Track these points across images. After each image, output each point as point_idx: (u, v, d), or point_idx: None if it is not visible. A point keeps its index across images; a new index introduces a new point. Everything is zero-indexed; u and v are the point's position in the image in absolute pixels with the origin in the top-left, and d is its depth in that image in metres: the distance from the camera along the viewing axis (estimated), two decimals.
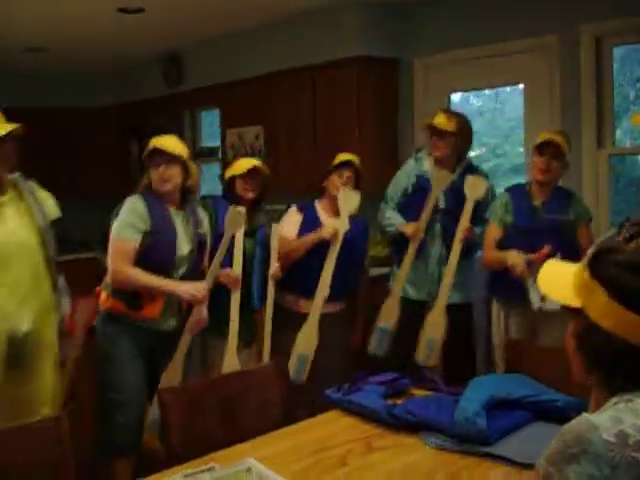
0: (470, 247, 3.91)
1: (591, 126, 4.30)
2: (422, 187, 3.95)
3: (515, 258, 3.41)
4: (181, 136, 7.00)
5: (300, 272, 3.75)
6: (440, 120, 3.92)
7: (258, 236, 3.71)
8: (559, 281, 1.46)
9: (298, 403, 3.29)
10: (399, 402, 2.40)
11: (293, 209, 3.93)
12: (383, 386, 2.57)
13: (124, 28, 5.90)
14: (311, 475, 2.01)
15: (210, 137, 7.12)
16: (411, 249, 3.83)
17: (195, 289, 3.19)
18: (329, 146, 4.86)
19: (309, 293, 3.70)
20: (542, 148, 3.55)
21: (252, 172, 3.65)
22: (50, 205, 3.04)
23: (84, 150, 7.50)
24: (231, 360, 3.41)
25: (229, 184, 3.72)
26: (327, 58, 5.33)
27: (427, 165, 4.03)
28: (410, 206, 3.94)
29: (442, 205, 3.93)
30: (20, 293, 2.79)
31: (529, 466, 1.96)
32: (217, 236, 3.48)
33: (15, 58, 6.82)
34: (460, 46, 4.92)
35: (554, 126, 4.35)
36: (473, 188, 3.78)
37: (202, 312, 3.27)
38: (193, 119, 7.17)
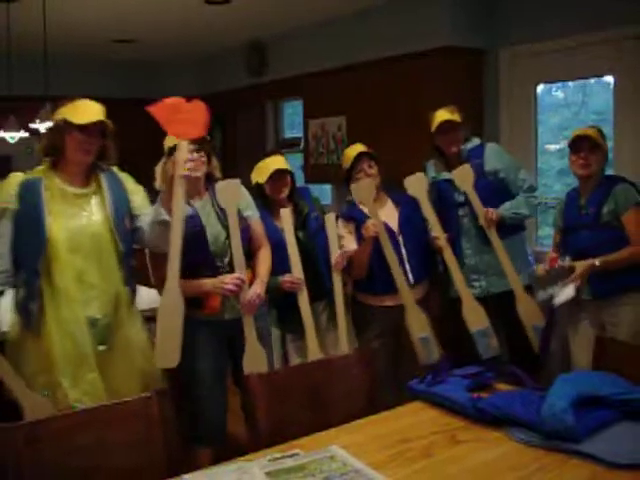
0: (513, 227, 3.86)
1: None
2: (439, 192, 3.93)
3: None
4: (264, 126, 7.16)
5: (374, 273, 3.72)
6: (446, 115, 3.89)
7: (311, 227, 3.70)
8: None
9: (384, 391, 3.28)
10: (484, 396, 2.38)
11: (341, 222, 3.82)
12: (467, 379, 2.56)
13: (209, 19, 6.01)
14: (395, 464, 2.01)
15: (292, 128, 7.17)
16: (449, 259, 3.71)
17: (227, 282, 3.10)
18: (412, 137, 4.83)
19: (391, 289, 3.65)
20: (577, 144, 3.53)
21: (274, 175, 3.61)
22: (138, 196, 3.11)
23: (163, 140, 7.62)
24: (314, 353, 3.42)
25: (258, 189, 3.68)
26: (411, 49, 5.31)
27: (437, 170, 4.00)
28: (439, 215, 3.82)
29: (461, 199, 3.88)
30: (89, 282, 2.86)
31: (617, 465, 1.93)
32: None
33: (102, 49, 7.00)
34: (546, 38, 4.83)
35: None
36: (463, 179, 3.74)
37: (248, 294, 3.15)
38: (276, 110, 7.23)
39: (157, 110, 2.88)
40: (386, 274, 3.63)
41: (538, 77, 5.11)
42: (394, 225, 3.76)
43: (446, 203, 3.91)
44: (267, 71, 6.98)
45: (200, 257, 3.17)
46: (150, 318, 3.23)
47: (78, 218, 2.89)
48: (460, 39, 5.15)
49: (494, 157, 3.93)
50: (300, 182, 6.49)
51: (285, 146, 6.94)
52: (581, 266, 3.40)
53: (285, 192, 3.67)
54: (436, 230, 3.71)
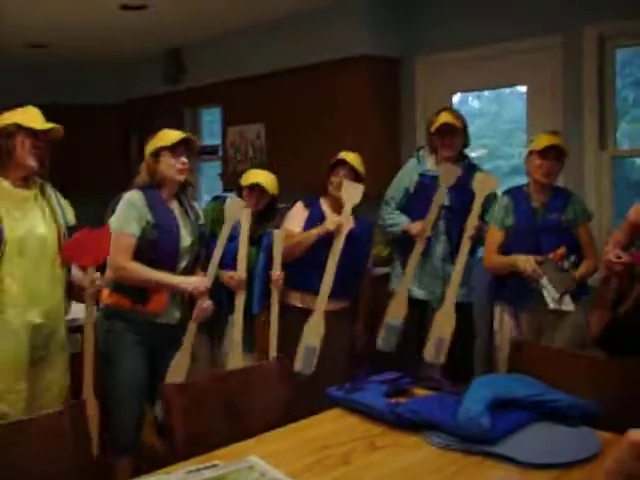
0: (474, 245, 3.90)
1: (593, 128, 4.31)
2: (425, 186, 3.95)
3: (524, 261, 3.43)
4: None
5: (304, 269, 3.75)
6: (449, 118, 3.91)
7: (264, 243, 3.70)
8: None
9: (302, 400, 3.28)
10: (402, 401, 2.39)
11: (299, 204, 3.94)
12: (385, 385, 2.56)
13: (126, 25, 5.91)
14: (313, 473, 1.99)
15: (211, 135, 7.12)
16: (418, 248, 3.80)
17: (198, 281, 3.22)
18: (331, 145, 4.85)
19: (314, 289, 3.69)
20: (546, 152, 3.57)
21: (255, 187, 3.67)
22: (69, 212, 3.10)
23: (84, 147, 7.47)
24: (236, 360, 3.41)
25: (240, 190, 3.75)
26: (329, 57, 5.33)
27: (430, 164, 4.02)
28: (413, 206, 3.94)
29: (446, 202, 3.91)
30: (33, 286, 2.82)
31: (532, 465, 1.97)
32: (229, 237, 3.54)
33: (16, 54, 6.82)
34: (462, 46, 4.92)
35: (556, 127, 4.36)
36: (483, 184, 3.74)
37: (206, 302, 3.28)
38: (194, 117, 7.17)
39: (66, 251, 2.94)
40: (314, 276, 3.67)
41: (454, 86, 5.21)
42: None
43: (428, 201, 3.87)
44: (185, 78, 6.91)
45: (168, 252, 3.20)
46: (73, 329, 3.22)
47: (25, 221, 2.85)
48: (376, 48, 5.20)
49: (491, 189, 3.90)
50: (218, 190, 6.46)
51: (203, 153, 6.87)
52: (574, 273, 3.44)
53: (253, 208, 3.65)
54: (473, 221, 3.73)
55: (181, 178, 3.24)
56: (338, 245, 3.66)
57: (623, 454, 1.20)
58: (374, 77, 5.25)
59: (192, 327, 3.30)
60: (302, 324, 3.70)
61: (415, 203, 3.93)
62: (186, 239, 3.27)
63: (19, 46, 6.56)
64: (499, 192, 3.90)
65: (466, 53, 4.93)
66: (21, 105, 2.94)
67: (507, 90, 5.37)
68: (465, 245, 3.72)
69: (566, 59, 4.44)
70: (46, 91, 7.24)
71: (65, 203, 3.09)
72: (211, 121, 7.17)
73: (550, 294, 3.40)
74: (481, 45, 4.82)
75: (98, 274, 2.96)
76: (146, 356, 3.24)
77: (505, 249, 3.65)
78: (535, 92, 4.70)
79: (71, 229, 3.01)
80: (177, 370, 3.23)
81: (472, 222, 3.72)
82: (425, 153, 4.07)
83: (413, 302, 3.91)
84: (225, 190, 6.24)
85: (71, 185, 6.54)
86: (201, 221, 3.40)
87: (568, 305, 3.43)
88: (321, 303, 3.68)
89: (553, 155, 3.57)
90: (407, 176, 4.04)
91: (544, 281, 3.40)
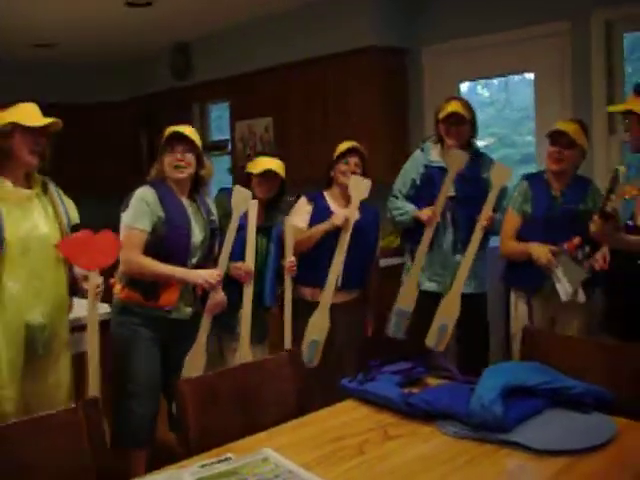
0: (487, 237, 3.88)
1: (602, 113, 4.28)
2: (431, 177, 3.92)
3: (539, 250, 3.42)
4: None
5: (313, 263, 3.74)
6: (457, 107, 3.86)
7: (274, 233, 3.70)
8: None
9: (315, 392, 3.29)
10: (415, 391, 2.39)
11: (303, 200, 3.93)
12: (398, 375, 2.57)
13: (132, 22, 5.92)
14: (328, 464, 2.00)
15: (219, 130, 7.13)
16: (427, 235, 3.78)
17: (209, 275, 3.22)
18: (340, 137, 4.84)
19: (323, 283, 3.69)
20: (554, 138, 3.54)
21: (267, 174, 3.64)
22: (72, 210, 3.07)
23: (94, 145, 7.51)
24: (245, 355, 3.41)
25: (247, 179, 3.71)
26: (336, 49, 5.33)
27: (435, 155, 3.99)
28: (420, 197, 3.91)
29: (453, 193, 3.89)
30: (36, 286, 2.80)
31: (546, 452, 1.97)
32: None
33: (23, 54, 6.83)
34: (469, 34, 4.90)
35: (565, 113, 4.35)
36: (499, 176, 3.70)
37: (219, 295, 3.30)
38: (202, 112, 7.17)
39: (65, 246, 2.86)
40: (323, 269, 3.67)
41: (461, 75, 5.19)
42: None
43: (434, 191, 3.85)
44: (193, 73, 6.91)
45: (179, 246, 3.21)
46: (76, 327, 3.17)
47: (27, 220, 2.82)
48: (383, 39, 5.19)
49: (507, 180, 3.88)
50: (228, 184, 6.45)
51: (212, 148, 6.88)
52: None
53: (264, 196, 3.65)
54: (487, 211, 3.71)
55: (177, 174, 3.24)
56: (345, 241, 3.67)
57: None
58: (382, 68, 5.23)
59: (206, 321, 3.31)
60: (308, 316, 3.71)
61: (422, 194, 3.91)
62: (197, 235, 3.28)
63: (25, 46, 6.58)
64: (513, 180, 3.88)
65: (473, 41, 4.91)
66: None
67: (516, 78, 5.35)
68: (477, 235, 3.69)
69: (574, 45, 4.41)
70: (54, 90, 7.26)
71: (68, 201, 3.06)
72: (219, 116, 7.18)
73: (563, 286, 3.38)
74: (488, 33, 4.79)
75: (101, 279, 2.92)
76: (160, 351, 3.25)
77: (521, 235, 3.62)
78: (543, 79, 4.68)
79: (75, 228, 3.00)
80: (193, 365, 3.24)
81: (486, 212, 3.69)
82: (430, 144, 4.05)
83: (425, 295, 3.89)
84: (234, 184, 6.24)
85: (82, 183, 6.65)
86: (213, 217, 3.40)
87: (580, 296, 3.41)
88: (327, 297, 3.68)
89: (561, 141, 3.52)
90: (413, 168, 4.02)
91: (558, 272, 3.38)
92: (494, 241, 3.94)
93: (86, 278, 2.87)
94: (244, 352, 3.41)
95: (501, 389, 2.17)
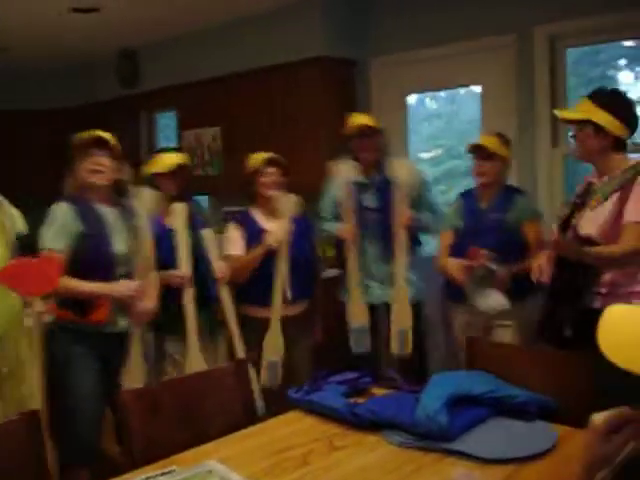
0: (417, 242, 3.94)
1: (546, 126, 4.36)
2: (350, 194, 3.96)
3: (453, 267, 3.56)
4: (137, 138, 7.01)
5: (255, 283, 3.72)
6: (365, 120, 3.94)
7: (195, 225, 3.65)
8: (627, 342, 1.16)
9: (265, 404, 3.30)
10: (360, 401, 2.40)
11: (232, 226, 3.85)
12: (344, 385, 2.57)
13: (79, 28, 5.83)
14: (273, 475, 1.99)
15: (167, 139, 7.07)
16: (351, 250, 3.83)
17: (127, 288, 3.11)
18: (286, 147, 4.84)
19: (268, 301, 3.70)
20: (473, 152, 3.66)
21: (176, 170, 3.59)
22: (19, 221, 3.04)
23: (36, 154, 7.37)
24: (194, 357, 3.38)
25: (151, 180, 3.63)
26: (285, 59, 5.32)
27: (351, 171, 4.02)
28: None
29: (373, 204, 3.94)
30: None
31: (490, 461, 1.99)
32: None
33: None
34: (417, 47, 4.95)
35: (510, 126, 4.42)
36: (400, 171, 3.83)
37: (142, 304, 3.18)
38: (149, 121, 7.10)
39: (2, 275, 2.79)
40: (267, 288, 3.64)
41: (409, 87, 5.23)
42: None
43: (356, 207, 3.91)
44: (140, 81, 6.84)
45: (101, 259, 3.11)
46: None
47: None
48: (331, 49, 5.21)
49: (410, 173, 3.97)
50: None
51: None
52: (506, 272, 3.46)
53: (178, 189, 3.62)
54: (345, 226, 3.80)
55: (94, 180, 3.13)
56: (282, 259, 3.68)
57: (589, 438, 1.25)
58: (329, 79, 5.25)
59: (136, 332, 3.22)
60: (261, 331, 3.72)
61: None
62: (120, 244, 3.17)
63: None
64: (457, 190, 3.95)
65: (421, 54, 4.96)
66: None
67: (462, 91, 5.43)
68: (400, 235, 3.77)
69: (519, 59, 4.49)
70: (2, 97, 7.13)
71: (15, 212, 3.02)
72: (167, 125, 7.12)
73: (477, 298, 3.47)
74: (435, 46, 4.85)
75: (43, 307, 2.87)
76: (99, 365, 3.18)
77: (455, 250, 3.69)
78: (489, 92, 4.75)
79: (21, 238, 2.94)
80: (132, 377, 3.17)
81: (399, 211, 3.77)
82: (348, 161, 4.07)
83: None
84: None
85: (24, 193, 6.50)
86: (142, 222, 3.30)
87: (499, 303, 3.46)
88: (276, 317, 3.70)
89: (483, 155, 3.62)
90: (333, 187, 4.03)
91: (471, 286, 3.48)
92: (425, 251, 4.02)
93: (29, 304, 2.82)
94: (194, 358, 3.38)
95: (446, 398, 2.19)
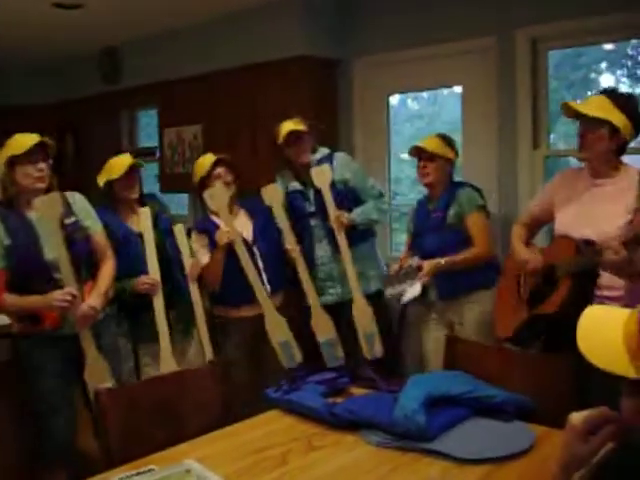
0: (364, 233, 3.99)
1: (527, 127, 4.37)
2: (295, 202, 3.99)
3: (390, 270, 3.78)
4: (119, 135, 6.98)
5: (231, 285, 3.69)
6: (291, 126, 3.93)
7: (161, 225, 3.63)
8: (605, 343, 1.17)
9: (240, 403, 3.28)
10: (339, 401, 2.40)
11: (194, 235, 3.78)
12: (322, 385, 2.57)
13: (60, 24, 5.79)
14: (251, 475, 1.99)
15: (148, 137, 7.04)
16: (299, 264, 3.80)
17: (62, 296, 2.99)
18: (268, 146, 4.83)
19: (247, 299, 3.67)
20: (416, 154, 3.77)
21: (131, 171, 3.54)
22: None
23: None
24: (167, 361, 3.37)
25: (106, 188, 3.57)
26: (266, 58, 5.31)
27: (291, 179, 4.05)
28: (293, 224, 3.90)
29: (311, 209, 3.97)
30: None
31: (467, 461, 1.99)
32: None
33: None
34: (399, 47, 4.95)
35: (491, 127, 4.43)
36: (320, 176, 3.85)
37: (80, 309, 3.07)
38: (131, 118, 7.07)
39: None
40: (240, 284, 3.62)
41: (390, 87, 5.23)
42: (248, 235, 3.77)
43: (298, 213, 3.97)
44: (121, 78, 6.80)
45: (34, 268, 3.05)
46: None
47: None
48: (314, 49, 5.20)
49: (343, 166, 4.02)
50: (156, 191, 6.37)
51: (140, 155, 6.77)
52: (428, 265, 3.56)
53: (137, 191, 3.59)
54: (289, 241, 3.76)
55: (42, 186, 3.05)
56: (242, 253, 3.63)
57: (567, 438, 1.25)
58: (311, 78, 5.24)
59: (84, 334, 3.14)
60: (243, 331, 3.71)
61: (292, 221, 3.91)
62: (51, 250, 3.07)
63: None
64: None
65: (403, 54, 4.96)
66: None
67: (445, 92, 5.43)
68: (339, 236, 3.80)
69: (500, 61, 4.50)
70: None
71: None
72: (148, 123, 7.09)
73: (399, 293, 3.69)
74: (418, 46, 4.85)
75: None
76: (65, 366, 3.16)
77: (413, 251, 3.82)
78: (470, 93, 4.76)
79: None
80: (93, 376, 3.13)
81: (331, 213, 3.81)
82: (285, 172, 4.09)
83: (327, 309, 3.89)
84: (162, 191, 6.18)
85: None
86: (72, 219, 3.16)
87: (409, 293, 3.62)
88: (266, 301, 3.67)
89: (425, 157, 3.72)
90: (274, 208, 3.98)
91: (397, 288, 3.72)
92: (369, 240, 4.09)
93: None
94: (166, 362, 3.37)
95: (424, 398, 2.20)
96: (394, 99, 5.39)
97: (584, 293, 2.71)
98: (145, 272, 3.44)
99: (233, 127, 5.58)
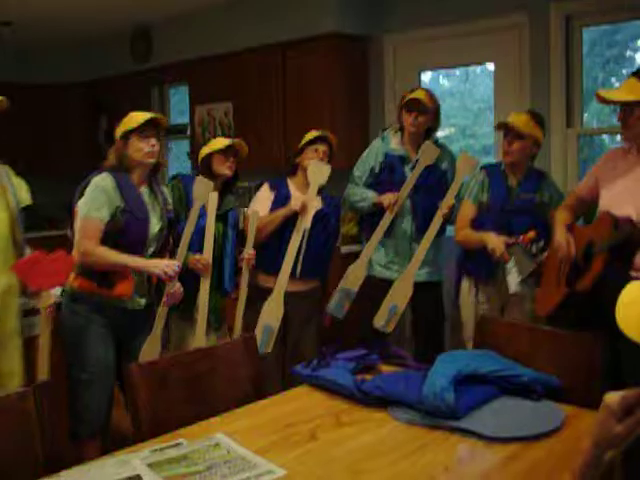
0: (444, 225, 3.90)
1: (560, 106, 4.32)
2: (390, 165, 3.93)
3: (495, 242, 3.41)
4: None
5: (273, 251, 3.72)
6: (421, 95, 3.86)
7: (230, 219, 3.66)
8: None
9: (270, 379, 3.30)
10: (368, 377, 2.40)
11: (265, 187, 3.87)
12: (352, 362, 2.57)
13: (92, 3, 5.80)
14: (280, 449, 2.00)
15: (178, 114, 7.06)
16: (386, 219, 3.79)
17: (166, 266, 3.12)
18: (298, 123, 4.83)
19: (278, 270, 3.68)
20: (502, 130, 3.58)
21: (230, 149, 3.60)
22: (23, 192, 3.03)
23: (52, 127, 7.39)
24: (199, 342, 3.40)
25: (205, 162, 3.63)
26: (298, 35, 5.30)
27: (395, 143, 3.99)
28: (379, 185, 3.92)
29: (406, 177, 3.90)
30: None
31: (496, 439, 1.99)
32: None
33: None
34: (430, 24, 4.91)
35: (523, 105, 4.38)
36: (465, 166, 3.72)
37: (176, 286, 3.25)
38: (161, 95, 7.09)
39: (18, 267, 2.84)
40: (282, 257, 3.66)
41: (422, 64, 5.20)
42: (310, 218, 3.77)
43: (394, 179, 3.90)
44: (153, 57, 6.82)
45: (136, 238, 3.15)
46: (29, 312, 3.15)
47: None
48: (346, 26, 5.17)
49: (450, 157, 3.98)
50: (187, 169, 6.40)
51: (172, 132, 6.81)
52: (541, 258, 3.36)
53: (229, 172, 3.62)
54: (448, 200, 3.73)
55: (151, 161, 3.17)
56: (302, 225, 3.65)
57: (602, 417, 1.26)
58: (342, 55, 5.22)
59: (162, 312, 3.26)
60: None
61: (381, 182, 3.92)
62: (155, 225, 3.21)
63: None
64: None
65: (434, 31, 4.92)
66: None
67: (477, 69, 5.38)
68: (436, 221, 3.72)
69: (533, 37, 4.44)
70: (9, 70, 7.13)
71: (18, 182, 3.00)
72: (179, 100, 7.11)
73: (513, 279, 3.41)
74: (449, 23, 4.81)
75: (53, 295, 2.89)
76: (114, 339, 3.20)
77: (477, 224, 3.61)
78: (502, 71, 4.71)
79: (25, 209, 2.94)
80: (148, 356, 3.18)
81: (448, 200, 3.72)
82: (390, 133, 4.05)
83: (380, 282, 3.90)
84: (193, 169, 6.21)
85: (37, 166, 6.54)
86: (170, 205, 3.35)
87: (516, 287, 3.45)
88: (281, 282, 3.67)
89: (512, 134, 3.52)
90: (372, 156, 4.02)
91: (510, 265, 3.41)
92: (450, 231, 3.96)
93: (39, 296, 2.83)
94: (199, 339, 3.39)
95: (453, 377, 2.19)
96: (426, 76, 5.35)
97: (617, 269, 2.68)
98: (200, 251, 3.45)
99: (264, 104, 5.58)
